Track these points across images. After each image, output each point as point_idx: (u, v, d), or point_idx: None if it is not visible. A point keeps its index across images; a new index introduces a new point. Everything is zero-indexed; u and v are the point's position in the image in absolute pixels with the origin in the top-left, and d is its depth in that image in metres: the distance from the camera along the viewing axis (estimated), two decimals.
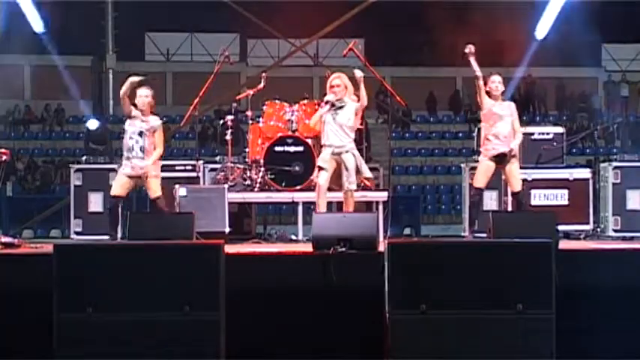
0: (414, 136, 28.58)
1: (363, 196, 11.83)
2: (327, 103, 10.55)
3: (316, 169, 10.64)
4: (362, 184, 11.95)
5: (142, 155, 10.56)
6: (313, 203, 12.67)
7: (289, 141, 12.10)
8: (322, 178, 10.49)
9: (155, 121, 10.72)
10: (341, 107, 10.50)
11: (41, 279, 7.55)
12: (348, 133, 10.54)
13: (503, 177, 11.09)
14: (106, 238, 11.04)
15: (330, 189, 10.63)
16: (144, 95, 10.70)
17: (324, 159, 10.49)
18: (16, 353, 7.95)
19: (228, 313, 7.38)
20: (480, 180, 10.76)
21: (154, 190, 10.60)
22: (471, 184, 11.40)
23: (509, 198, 11.79)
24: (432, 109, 30.18)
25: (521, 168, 11.00)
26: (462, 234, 11.83)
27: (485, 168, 10.72)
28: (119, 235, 11.72)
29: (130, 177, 10.60)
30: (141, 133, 10.60)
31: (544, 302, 7.23)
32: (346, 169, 10.46)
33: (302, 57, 22.89)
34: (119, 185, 10.66)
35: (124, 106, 10.85)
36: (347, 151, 10.50)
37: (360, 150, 11.91)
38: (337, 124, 10.49)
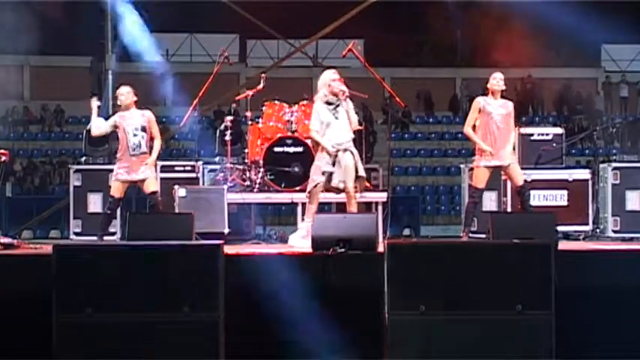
0: (413, 136, 28.59)
1: (362, 197, 11.83)
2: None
3: (319, 174, 10.32)
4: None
5: (146, 150, 10.69)
6: None
7: (288, 142, 12.10)
8: (320, 187, 10.38)
9: (146, 113, 10.84)
10: (338, 105, 10.36)
11: (41, 280, 7.55)
12: (349, 131, 10.44)
13: (503, 177, 11.12)
14: (108, 239, 11.08)
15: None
16: (123, 93, 10.80)
17: (328, 162, 10.30)
18: (16, 353, 7.95)
19: (228, 314, 7.38)
20: (480, 182, 10.81)
21: (152, 185, 10.80)
22: (470, 185, 11.42)
23: (509, 198, 11.80)
24: (430, 111, 30.18)
25: (520, 169, 11.03)
26: (461, 234, 11.83)
27: (482, 173, 10.77)
28: (117, 236, 11.79)
29: (125, 181, 10.74)
30: (143, 128, 10.72)
31: (543, 303, 7.24)
32: (340, 166, 10.35)
33: (301, 58, 22.88)
34: (116, 189, 10.78)
35: (106, 131, 10.97)
36: (345, 150, 10.42)
37: (359, 151, 11.95)
38: (339, 122, 10.36)
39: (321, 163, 10.35)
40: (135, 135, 10.71)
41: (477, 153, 10.86)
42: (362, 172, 10.54)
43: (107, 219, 11.01)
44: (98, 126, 10.97)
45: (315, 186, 10.34)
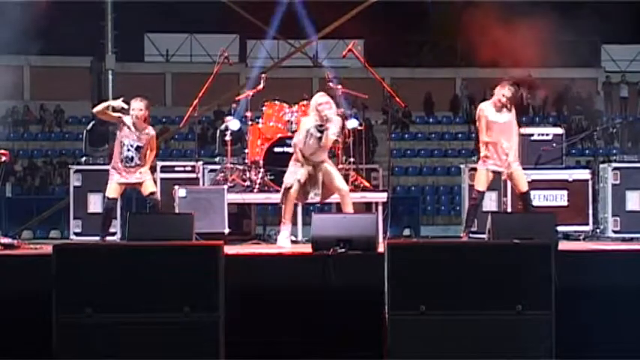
0: (413, 137, 28.61)
1: (362, 197, 11.84)
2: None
3: (292, 179, 10.46)
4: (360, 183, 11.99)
5: (140, 163, 10.72)
6: (313, 204, 12.69)
7: (289, 142, 12.07)
8: (294, 190, 10.49)
9: (150, 132, 10.86)
10: (323, 130, 10.39)
11: (41, 280, 7.55)
12: (327, 151, 10.61)
13: (504, 177, 11.13)
14: (108, 239, 11.11)
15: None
16: (137, 109, 10.78)
17: (303, 174, 10.42)
18: (15, 353, 7.95)
19: (228, 314, 7.38)
20: (481, 185, 10.82)
21: (150, 187, 10.84)
22: (471, 186, 11.44)
23: (509, 199, 11.80)
24: (430, 111, 30.20)
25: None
26: (461, 235, 11.84)
27: (485, 175, 10.78)
28: (117, 236, 11.80)
29: (122, 184, 10.79)
30: (138, 148, 10.73)
31: (543, 303, 7.23)
32: (316, 180, 10.47)
33: (301, 58, 22.91)
34: (113, 190, 10.82)
35: (106, 118, 11.00)
36: (322, 162, 10.53)
37: (359, 152, 12.01)
38: (322, 144, 10.43)
39: (295, 170, 10.46)
40: (128, 150, 10.75)
41: (481, 158, 10.86)
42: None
43: (105, 220, 11.03)
44: (104, 110, 10.93)
45: (288, 190, 10.41)
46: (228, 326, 7.33)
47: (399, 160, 26.79)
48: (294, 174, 10.47)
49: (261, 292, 8.22)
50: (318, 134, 10.41)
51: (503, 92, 10.68)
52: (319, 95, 10.66)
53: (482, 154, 10.85)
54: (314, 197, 10.60)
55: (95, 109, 10.97)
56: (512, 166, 10.74)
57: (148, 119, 10.95)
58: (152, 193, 10.82)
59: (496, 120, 10.71)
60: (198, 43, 31.32)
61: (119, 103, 10.99)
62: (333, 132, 10.44)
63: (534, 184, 11.73)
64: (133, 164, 10.74)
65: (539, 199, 11.92)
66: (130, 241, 9.01)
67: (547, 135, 12.62)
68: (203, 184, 12.38)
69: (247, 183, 12.09)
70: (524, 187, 10.81)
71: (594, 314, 8.26)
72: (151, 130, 10.91)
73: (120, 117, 10.86)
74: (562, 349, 7.33)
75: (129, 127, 10.74)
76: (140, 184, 10.79)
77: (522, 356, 7.19)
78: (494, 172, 10.78)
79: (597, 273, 8.51)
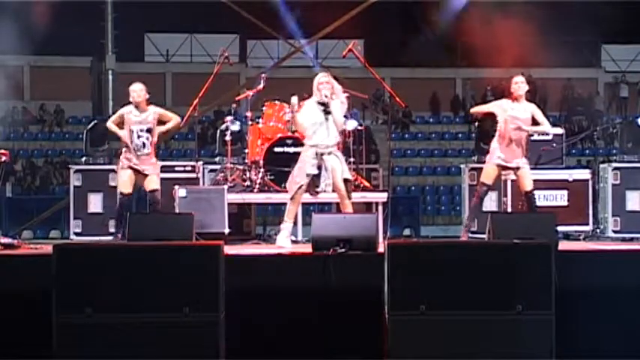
0: (413, 136, 28.60)
1: (362, 197, 11.83)
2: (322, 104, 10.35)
3: (303, 176, 10.32)
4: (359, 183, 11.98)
5: (148, 152, 10.74)
6: (313, 204, 12.68)
7: (289, 142, 12.08)
8: (303, 190, 10.39)
9: (157, 109, 10.96)
10: (328, 105, 10.27)
11: (41, 280, 7.56)
12: (335, 136, 10.41)
13: (503, 177, 11.10)
14: (108, 239, 11.11)
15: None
16: (138, 90, 10.86)
17: (314, 165, 10.28)
18: (16, 353, 7.95)
19: (228, 314, 7.38)
20: (488, 178, 10.76)
21: (154, 183, 10.86)
22: (471, 186, 11.43)
23: (509, 199, 11.80)
24: (436, 110, 30.21)
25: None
26: (461, 232, 11.84)
27: (492, 170, 10.73)
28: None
29: (133, 170, 10.79)
30: (149, 130, 10.79)
31: (543, 303, 7.24)
32: (325, 169, 10.36)
33: (301, 58, 22.91)
34: (126, 181, 10.83)
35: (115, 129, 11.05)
36: (330, 153, 10.40)
37: (359, 152, 11.95)
38: (328, 124, 10.29)
39: (305, 165, 10.34)
40: (139, 137, 10.81)
41: (489, 152, 10.82)
42: (348, 175, 10.52)
43: (120, 216, 10.94)
44: (115, 130, 11.04)
45: (300, 188, 10.35)
46: (228, 326, 7.33)
47: (399, 160, 26.78)
48: (303, 170, 10.34)
49: (261, 292, 8.23)
50: (323, 112, 10.29)
51: (514, 85, 10.76)
52: (321, 75, 10.50)
53: (492, 146, 10.78)
54: (325, 188, 10.37)
55: (108, 125, 11.15)
56: (520, 163, 10.69)
57: (148, 102, 11.00)
58: (154, 190, 10.84)
59: (516, 115, 10.66)
60: (198, 43, 31.32)
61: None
62: (338, 112, 10.30)
63: (534, 184, 11.72)
64: (144, 152, 10.80)
65: (539, 199, 11.90)
66: (130, 241, 9.01)
67: (547, 135, 12.61)
68: (203, 184, 12.38)
69: (247, 183, 12.09)
70: (529, 187, 10.77)
71: (594, 314, 8.26)
72: (156, 108, 10.96)
73: (121, 117, 10.92)
74: (562, 349, 7.34)
75: (132, 114, 10.81)
76: (146, 175, 10.81)
77: (522, 356, 7.20)
78: (500, 166, 10.71)
79: (597, 273, 8.51)
